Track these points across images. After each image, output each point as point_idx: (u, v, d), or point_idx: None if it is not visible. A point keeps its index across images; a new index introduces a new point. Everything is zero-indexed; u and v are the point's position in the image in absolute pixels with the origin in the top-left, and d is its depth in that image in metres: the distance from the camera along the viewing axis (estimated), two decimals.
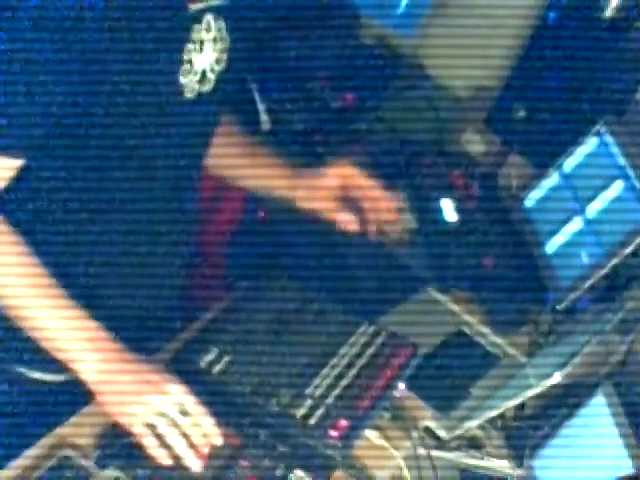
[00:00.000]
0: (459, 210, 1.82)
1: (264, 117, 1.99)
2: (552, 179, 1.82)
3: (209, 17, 1.33)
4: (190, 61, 1.32)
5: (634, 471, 1.33)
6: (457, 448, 1.47)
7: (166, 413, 1.26)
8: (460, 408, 1.51)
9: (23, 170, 1.26)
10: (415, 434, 1.45)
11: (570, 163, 1.80)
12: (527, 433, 1.48)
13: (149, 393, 1.26)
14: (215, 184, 1.71)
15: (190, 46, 1.31)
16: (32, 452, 1.31)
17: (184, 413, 1.26)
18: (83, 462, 1.28)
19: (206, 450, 1.27)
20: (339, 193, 1.57)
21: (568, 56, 1.90)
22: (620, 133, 1.72)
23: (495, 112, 2.07)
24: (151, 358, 1.35)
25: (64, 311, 1.28)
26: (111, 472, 1.26)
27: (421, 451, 1.42)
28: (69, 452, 1.29)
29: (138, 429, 1.26)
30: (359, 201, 1.58)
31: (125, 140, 1.31)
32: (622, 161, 1.67)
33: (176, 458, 1.26)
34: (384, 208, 1.58)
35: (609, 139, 1.72)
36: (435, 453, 1.43)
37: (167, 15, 1.27)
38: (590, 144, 1.77)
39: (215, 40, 1.35)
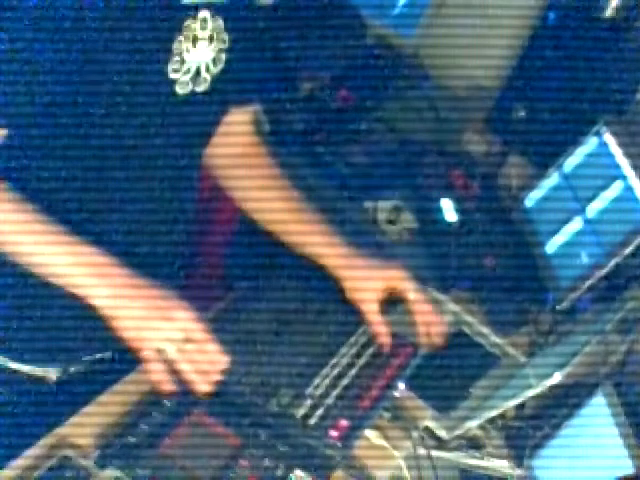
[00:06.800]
0: (459, 210, 1.82)
1: (264, 117, 1.99)
2: (552, 179, 1.82)
3: (205, 13, 1.31)
4: (180, 54, 1.30)
5: (634, 471, 1.33)
6: (457, 448, 1.47)
7: (173, 339, 1.26)
8: (460, 408, 1.51)
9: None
10: (415, 434, 1.45)
11: (570, 163, 1.80)
12: (527, 433, 1.48)
13: (157, 319, 1.26)
14: (213, 184, 1.71)
15: (181, 38, 1.29)
16: (32, 452, 1.30)
17: (190, 340, 1.26)
18: (83, 462, 1.28)
19: (213, 376, 1.27)
20: (384, 294, 1.51)
21: (568, 56, 1.90)
22: (620, 133, 1.72)
23: (495, 112, 2.08)
24: (162, 283, 1.34)
25: (68, 245, 1.27)
26: (111, 472, 1.26)
27: (421, 451, 1.42)
28: (69, 452, 1.29)
29: (146, 353, 1.26)
30: (407, 310, 1.52)
31: (124, 140, 1.31)
32: (622, 161, 1.67)
33: (183, 383, 1.26)
34: (432, 321, 1.52)
35: (609, 139, 1.72)
36: (435, 453, 1.43)
37: (159, 4, 1.25)
38: (590, 144, 1.77)
39: (211, 39, 1.33)
